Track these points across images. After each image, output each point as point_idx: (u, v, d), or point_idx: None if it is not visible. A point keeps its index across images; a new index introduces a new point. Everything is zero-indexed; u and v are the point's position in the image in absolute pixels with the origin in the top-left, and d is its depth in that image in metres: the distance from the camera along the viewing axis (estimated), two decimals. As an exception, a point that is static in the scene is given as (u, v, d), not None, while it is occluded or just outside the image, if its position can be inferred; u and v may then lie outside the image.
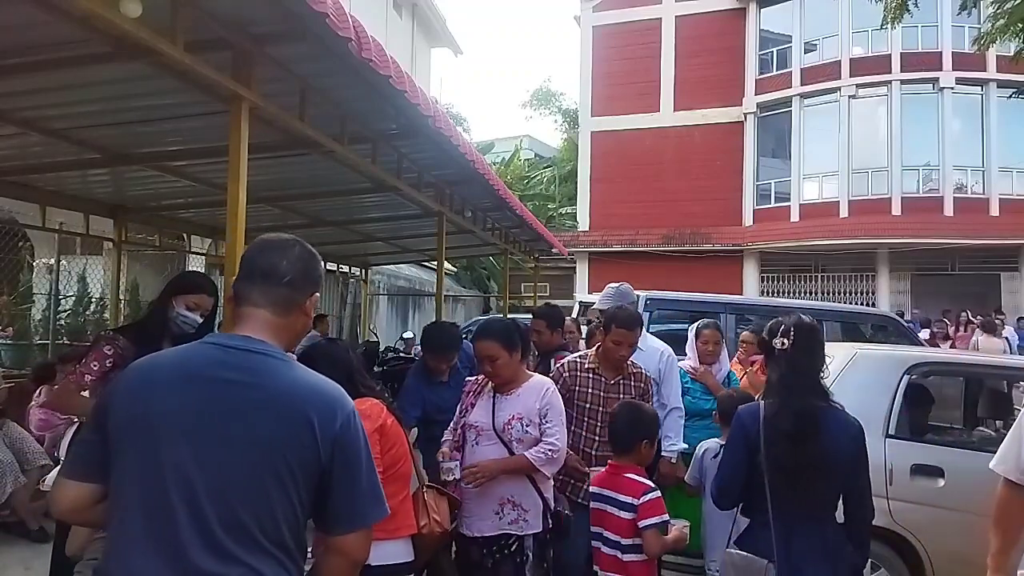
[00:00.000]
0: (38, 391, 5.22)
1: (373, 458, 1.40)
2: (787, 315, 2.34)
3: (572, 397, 3.20)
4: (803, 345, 2.20)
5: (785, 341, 2.21)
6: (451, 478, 2.59)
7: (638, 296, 8.56)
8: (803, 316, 2.29)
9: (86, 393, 2.64)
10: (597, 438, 3.16)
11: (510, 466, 2.59)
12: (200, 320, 2.68)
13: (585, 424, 3.20)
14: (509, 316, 9.65)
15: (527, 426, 2.62)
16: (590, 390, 3.23)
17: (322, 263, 1.51)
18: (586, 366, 3.28)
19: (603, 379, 3.24)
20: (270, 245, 1.46)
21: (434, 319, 5.70)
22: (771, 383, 2.24)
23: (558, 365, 3.43)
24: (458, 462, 2.67)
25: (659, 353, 3.88)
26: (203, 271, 6.55)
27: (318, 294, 1.47)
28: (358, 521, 1.35)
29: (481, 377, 2.83)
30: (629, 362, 3.28)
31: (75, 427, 4.17)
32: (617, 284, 4.45)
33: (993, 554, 1.96)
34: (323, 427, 1.29)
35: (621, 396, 3.17)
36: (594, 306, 4.30)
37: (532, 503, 2.64)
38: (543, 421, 2.62)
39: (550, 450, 2.58)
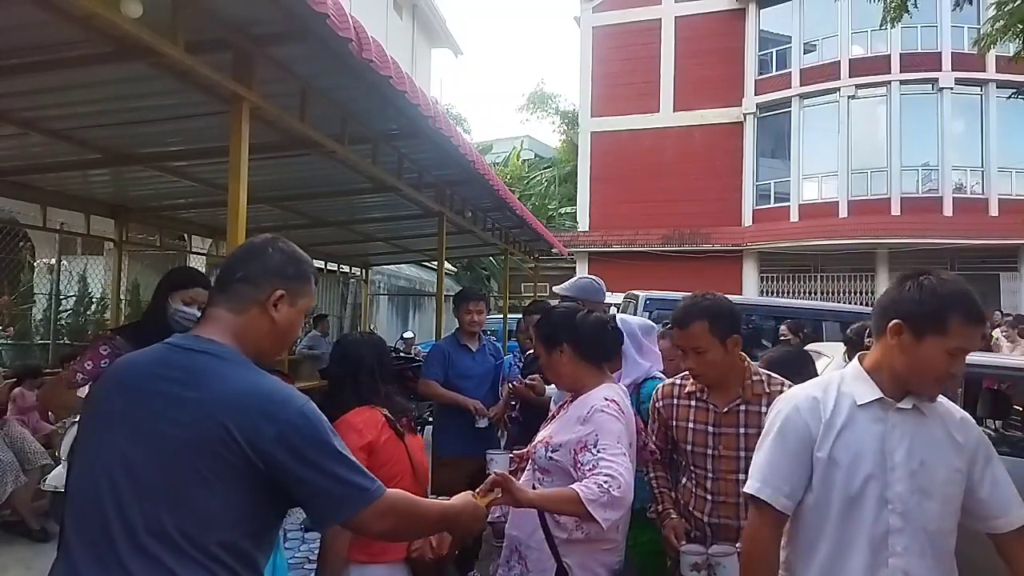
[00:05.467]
0: (12, 394, 5.18)
1: (342, 448, 1.31)
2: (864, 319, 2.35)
3: (670, 436, 2.36)
4: None
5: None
6: (491, 472, 1.85)
7: (637, 296, 8.60)
8: None
9: (84, 391, 2.63)
10: (709, 497, 2.20)
11: (547, 500, 1.87)
12: (199, 314, 2.68)
13: (692, 475, 2.28)
14: (510, 316, 9.66)
15: (552, 452, 2.03)
16: (692, 425, 2.28)
17: (303, 262, 1.44)
18: (687, 390, 2.32)
19: (712, 408, 2.25)
20: (245, 245, 1.45)
21: (434, 319, 5.73)
22: None
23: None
24: (506, 454, 2.17)
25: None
26: (204, 271, 6.56)
27: (283, 291, 1.37)
28: (344, 514, 1.28)
29: None
30: (750, 380, 2.22)
31: (75, 426, 4.17)
32: (590, 278, 3.72)
33: None
34: (254, 432, 1.22)
35: (742, 431, 2.17)
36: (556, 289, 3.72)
37: (539, 566, 2.00)
38: (585, 449, 1.93)
39: (608, 482, 1.80)
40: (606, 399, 2.02)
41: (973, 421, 1.65)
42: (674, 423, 2.33)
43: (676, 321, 2.27)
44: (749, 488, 1.65)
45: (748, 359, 2.29)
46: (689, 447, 2.27)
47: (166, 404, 1.24)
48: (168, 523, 1.20)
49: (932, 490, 1.55)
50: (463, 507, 1.56)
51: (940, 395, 1.67)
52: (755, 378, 2.22)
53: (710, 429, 2.23)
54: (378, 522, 1.31)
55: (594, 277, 3.58)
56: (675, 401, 2.35)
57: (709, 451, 2.21)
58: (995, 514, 1.58)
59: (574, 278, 3.63)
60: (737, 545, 1.95)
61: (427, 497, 2.12)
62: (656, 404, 2.41)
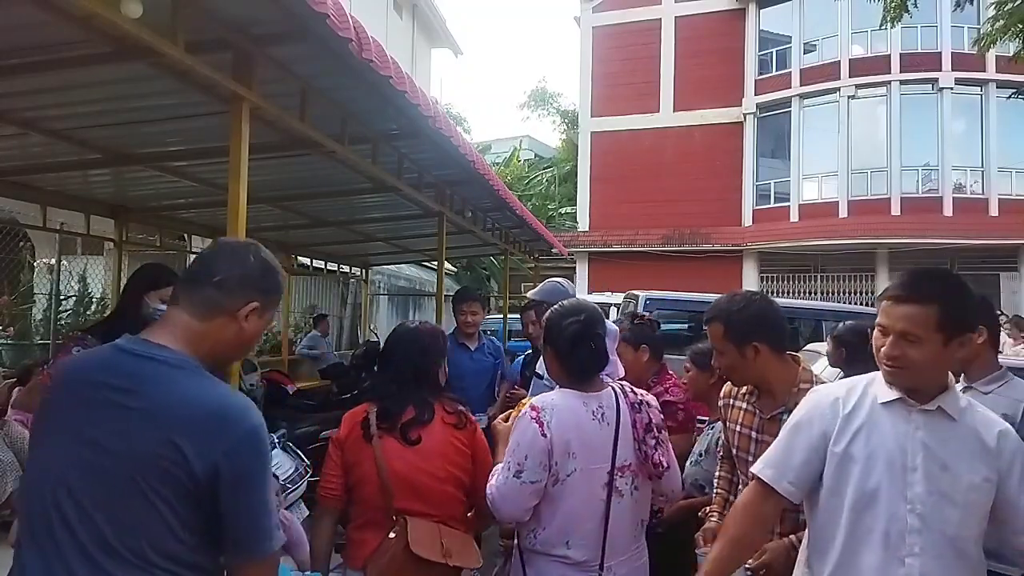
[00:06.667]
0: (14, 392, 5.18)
1: (268, 484, 1.27)
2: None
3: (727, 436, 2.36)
4: None
5: None
6: None
7: (637, 296, 8.59)
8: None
9: None
10: None
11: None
12: None
13: (740, 479, 2.28)
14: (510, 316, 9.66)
15: None
16: (739, 428, 2.24)
17: (279, 275, 1.39)
18: (742, 391, 2.28)
19: (758, 413, 2.18)
20: (220, 246, 1.39)
21: (434, 319, 5.73)
22: None
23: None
24: None
25: None
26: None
27: (257, 303, 1.31)
28: (246, 552, 1.23)
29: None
30: (798, 387, 2.09)
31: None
32: (556, 281, 3.69)
33: (714, 559, 1.69)
34: (200, 446, 1.17)
35: None
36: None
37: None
38: None
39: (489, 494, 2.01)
40: (532, 407, 1.98)
41: (1015, 434, 1.60)
42: (727, 424, 2.31)
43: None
44: (755, 468, 1.69)
45: (805, 366, 2.19)
46: (735, 450, 2.25)
47: (109, 415, 1.19)
48: (111, 536, 1.16)
49: (954, 495, 1.53)
50: None
51: (981, 405, 1.67)
52: (803, 386, 2.07)
53: (753, 435, 2.17)
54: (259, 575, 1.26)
55: (560, 280, 3.58)
56: (732, 402, 2.31)
57: (749, 457, 2.10)
58: None
59: (543, 282, 3.62)
60: (750, 562, 1.92)
61: (390, 511, 2.05)
62: (719, 403, 2.40)
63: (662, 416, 2.14)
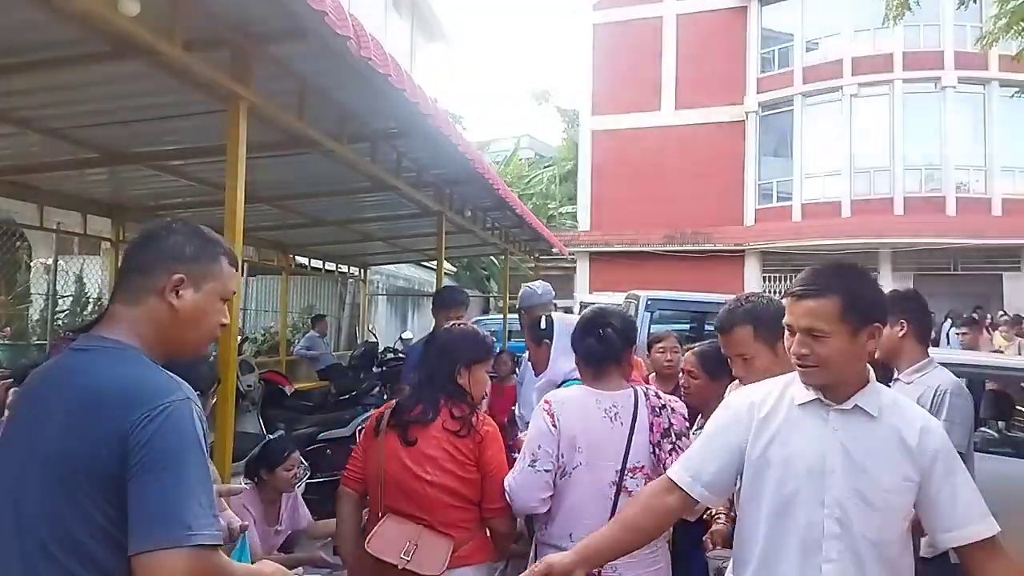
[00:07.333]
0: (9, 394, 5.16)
1: (194, 470, 1.11)
2: None
3: None
4: None
5: None
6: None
7: (638, 296, 8.55)
8: None
9: None
10: None
11: None
12: None
13: None
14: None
15: None
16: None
17: (208, 241, 1.30)
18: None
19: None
20: (140, 232, 1.35)
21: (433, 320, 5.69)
22: None
23: None
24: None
25: None
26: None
27: (182, 275, 1.24)
28: (147, 538, 1.05)
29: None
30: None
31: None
32: (527, 285, 3.79)
33: (600, 535, 1.63)
34: (111, 421, 1.09)
35: None
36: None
37: None
38: None
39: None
40: (546, 401, 2.10)
41: (940, 430, 1.55)
42: None
43: (718, 327, 2.14)
44: (670, 472, 1.65)
45: None
46: None
47: (42, 414, 1.16)
48: (49, 540, 1.10)
49: (873, 497, 1.47)
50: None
51: (907, 401, 1.63)
52: None
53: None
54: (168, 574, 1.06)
55: (532, 284, 3.68)
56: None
57: None
58: (950, 526, 1.48)
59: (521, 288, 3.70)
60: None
61: (381, 506, 2.12)
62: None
63: (687, 424, 2.16)
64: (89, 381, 1.15)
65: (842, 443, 1.50)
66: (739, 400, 1.68)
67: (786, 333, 1.59)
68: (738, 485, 1.67)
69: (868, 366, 1.60)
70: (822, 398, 1.54)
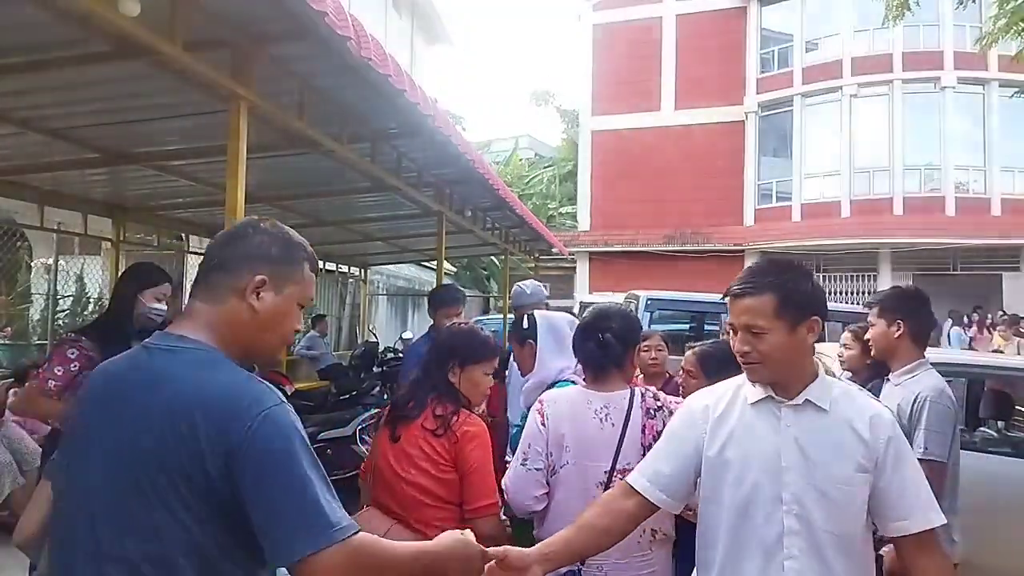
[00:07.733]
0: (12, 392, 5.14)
1: (312, 470, 1.10)
2: None
3: None
4: None
5: None
6: None
7: (638, 296, 8.56)
8: None
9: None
10: None
11: None
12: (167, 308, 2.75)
13: None
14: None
15: None
16: None
17: (293, 245, 1.28)
18: None
19: None
20: (226, 230, 1.33)
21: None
22: None
23: None
24: None
25: None
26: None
27: (264, 276, 1.21)
28: (295, 552, 1.04)
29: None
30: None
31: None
32: (518, 285, 3.81)
33: (560, 537, 1.60)
34: (209, 441, 1.06)
35: None
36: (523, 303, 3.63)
37: None
38: None
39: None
40: (539, 400, 2.15)
41: (890, 418, 1.55)
42: None
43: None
44: (629, 478, 1.66)
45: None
46: None
47: (133, 414, 1.12)
48: (130, 548, 1.07)
49: (830, 490, 1.47)
50: (449, 552, 1.27)
51: (857, 389, 1.63)
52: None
53: None
54: (333, 573, 1.06)
55: (523, 283, 3.79)
56: None
57: None
58: (894, 517, 1.49)
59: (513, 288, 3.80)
60: None
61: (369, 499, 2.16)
62: None
63: None
64: (181, 387, 1.11)
65: (795, 439, 1.51)
66: (694, 402, 1.70)
67: (730, 332, 1.62)
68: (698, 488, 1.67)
69: (817, 360, 1.60)
70: (773, 395, 1.56)
